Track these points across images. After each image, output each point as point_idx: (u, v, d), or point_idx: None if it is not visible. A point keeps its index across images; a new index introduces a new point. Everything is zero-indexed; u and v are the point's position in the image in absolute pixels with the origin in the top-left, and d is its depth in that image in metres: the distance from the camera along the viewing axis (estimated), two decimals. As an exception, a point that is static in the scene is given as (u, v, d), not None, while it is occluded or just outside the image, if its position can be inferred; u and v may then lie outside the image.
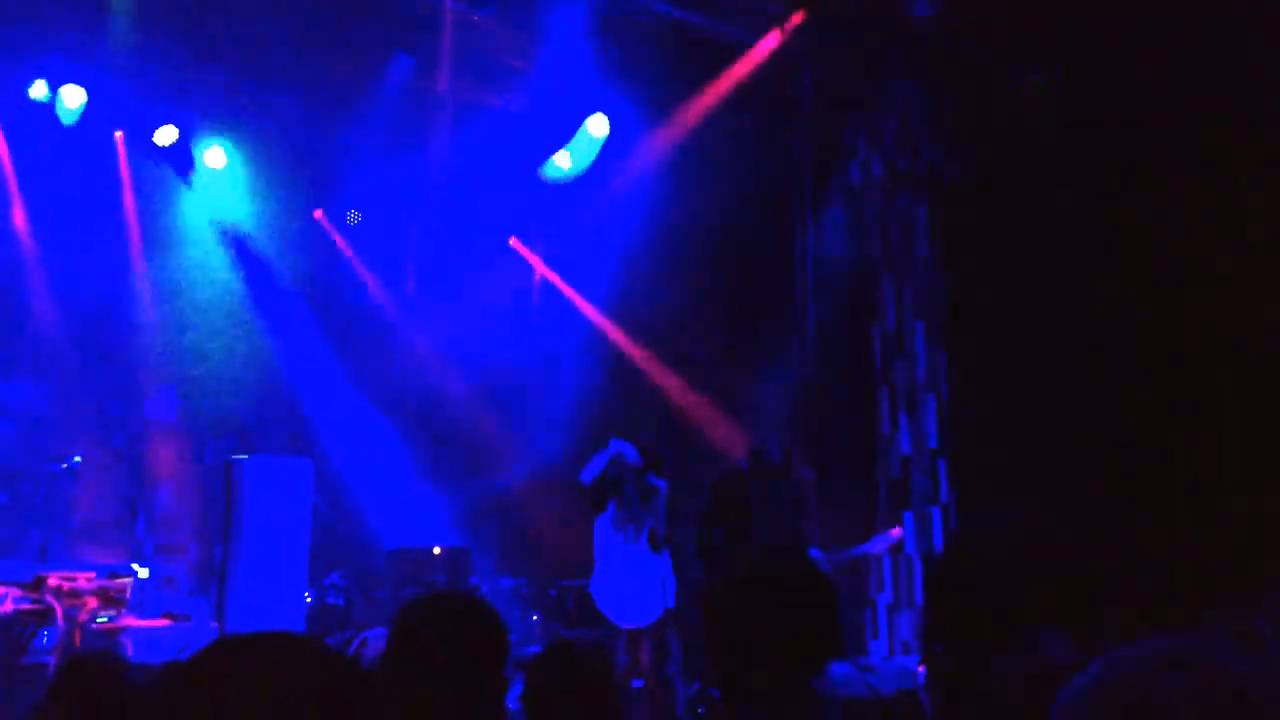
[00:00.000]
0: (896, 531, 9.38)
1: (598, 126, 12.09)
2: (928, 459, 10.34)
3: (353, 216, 12.77)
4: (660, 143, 12.04)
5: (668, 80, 11.68)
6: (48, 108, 10.88)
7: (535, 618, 10.79)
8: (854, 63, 10.81)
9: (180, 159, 11.81)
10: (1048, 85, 9.68)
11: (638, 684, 8.49)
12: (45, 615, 7.68)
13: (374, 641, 5.04)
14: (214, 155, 11.95)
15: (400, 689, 2.89)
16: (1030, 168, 9.62)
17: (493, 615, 3.01)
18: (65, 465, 9.87)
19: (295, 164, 11.95)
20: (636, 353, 12.44)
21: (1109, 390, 8.93)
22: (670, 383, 12.20)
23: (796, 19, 10.59)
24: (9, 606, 7.52)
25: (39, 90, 10.81)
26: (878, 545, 9.32)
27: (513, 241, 13.26)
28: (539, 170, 12.47)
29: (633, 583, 8.43)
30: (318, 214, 12.80)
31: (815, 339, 11.23)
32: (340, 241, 12.80)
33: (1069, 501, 8.29)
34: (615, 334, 12.65)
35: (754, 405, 11.35)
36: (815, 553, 8.16)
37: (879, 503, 10.39)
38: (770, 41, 10.98)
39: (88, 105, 10.91)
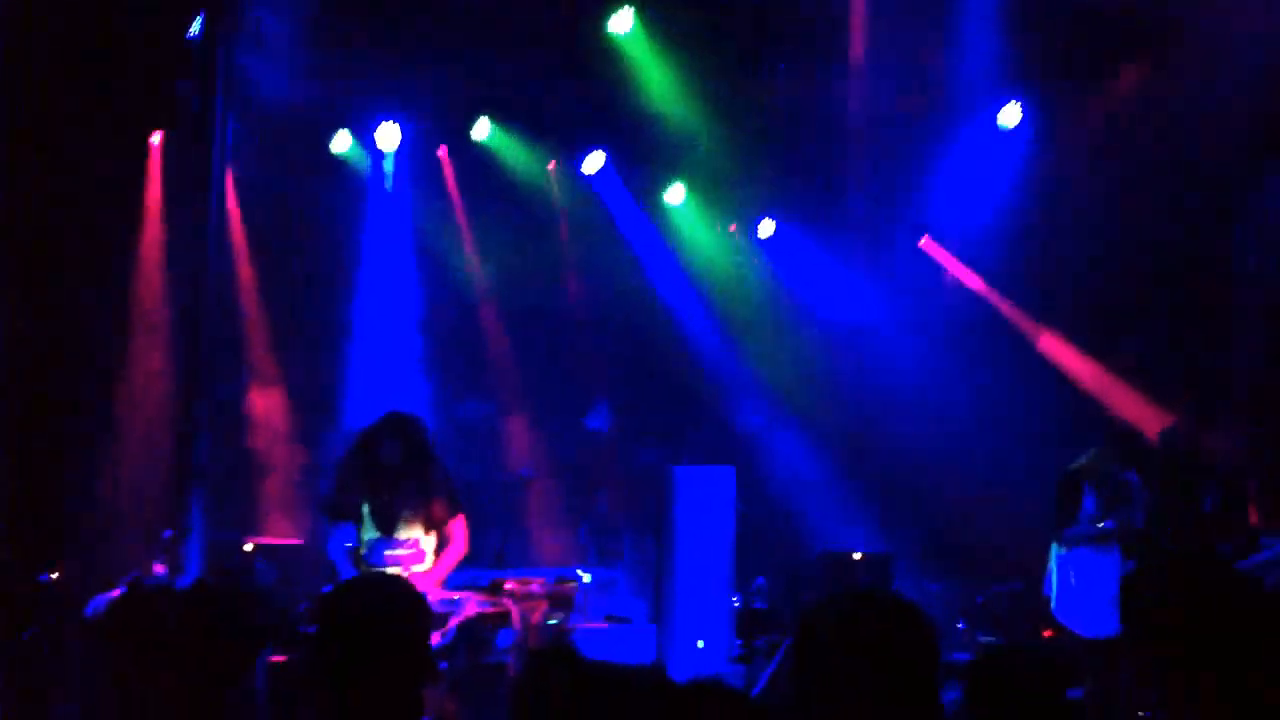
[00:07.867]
0: None
1: (1010, 116, 11.79)
2: None
3: (767, 227, 13.02)
4: (1081, 130, 11.57)
5: (1087, 66, 11.22)
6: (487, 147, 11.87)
7: (960, 625, 10.65)
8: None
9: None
10: None
11: None
12: (503, 617, 8.28)
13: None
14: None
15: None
16: None
17: (918, 615, 2.80)
18: (516, 476, 10.74)
19: (720, 184, 12.39)
20: (1058, 350, 11.97)
21: None
22: (1097, 381, 11.67)
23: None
24: (472, 609, 8.14)
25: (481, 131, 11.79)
26: None
27: (924, 242, 13.04)
28: (949, 167, 12.30)
29: (1102, 589, 7.98)
30: (734, 228, 13.18)
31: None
32: (760, 255, 13.10)
33: None
34: (1031, 331, 12.22)
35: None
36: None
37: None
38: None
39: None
